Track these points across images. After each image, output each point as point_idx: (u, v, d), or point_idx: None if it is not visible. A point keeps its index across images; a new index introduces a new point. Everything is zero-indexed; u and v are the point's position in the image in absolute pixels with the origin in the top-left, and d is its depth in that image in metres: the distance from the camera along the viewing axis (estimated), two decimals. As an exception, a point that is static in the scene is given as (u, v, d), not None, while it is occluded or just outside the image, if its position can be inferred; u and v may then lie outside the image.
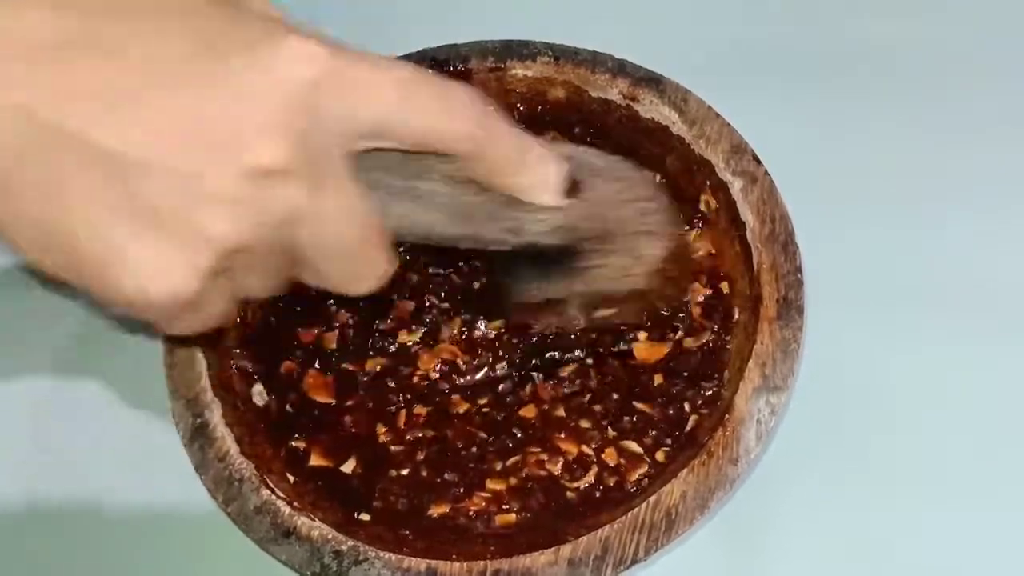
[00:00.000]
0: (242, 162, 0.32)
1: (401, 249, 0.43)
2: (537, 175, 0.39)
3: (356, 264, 0.37)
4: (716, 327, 0.50)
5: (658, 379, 0.49)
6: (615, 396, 0.49)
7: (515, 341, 0.50)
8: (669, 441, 0.48)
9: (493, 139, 0.37)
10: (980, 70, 0.63)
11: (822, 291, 0.51)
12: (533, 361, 0.50)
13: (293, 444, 0.49)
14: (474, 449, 0.48)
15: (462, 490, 0.48)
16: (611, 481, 0.47)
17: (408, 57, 0.55)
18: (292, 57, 0.33)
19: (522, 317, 0.49)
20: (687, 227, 0.51)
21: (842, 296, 0.55)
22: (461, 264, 0.52)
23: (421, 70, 0.36)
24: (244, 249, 0.34)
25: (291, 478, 0.47)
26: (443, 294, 0.51)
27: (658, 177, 0.53)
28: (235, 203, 0.33)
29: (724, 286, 0.51)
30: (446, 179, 0.39)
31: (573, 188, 0.41)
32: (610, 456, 0.48)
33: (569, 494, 0.47)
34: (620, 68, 0.54)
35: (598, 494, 0.47)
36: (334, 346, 0.51)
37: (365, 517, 0.47)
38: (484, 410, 0.49)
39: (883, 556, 0.50)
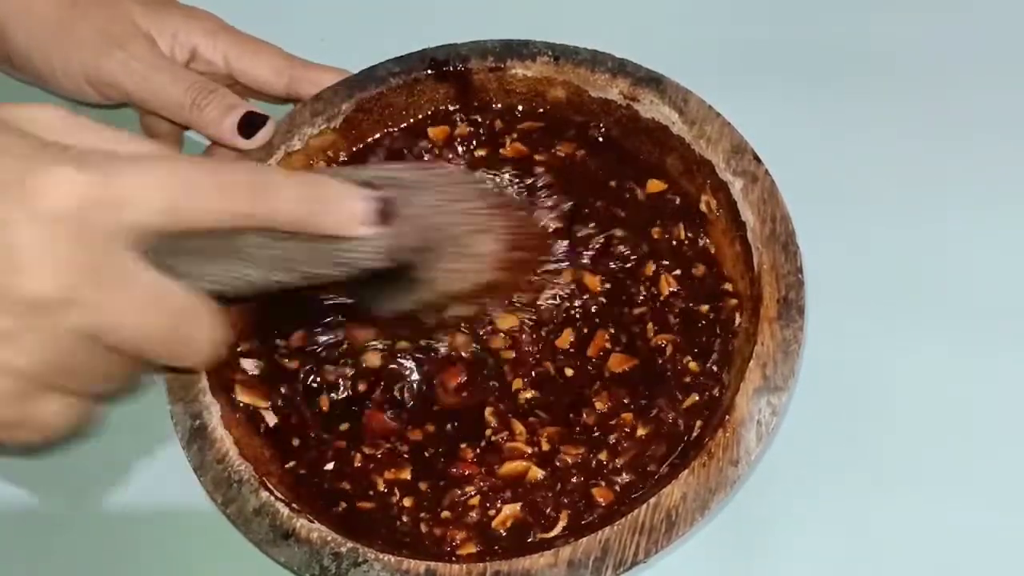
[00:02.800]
0: (12, 297, 0.33)
1: None
2: (342, 213, 0.39)
3: (179, 344, 0.37)
4: (717, 327, 0.50)
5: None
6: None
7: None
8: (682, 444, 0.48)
9: (275, 206, 0.37)
10: (980, 70, 0.63)
11: (822, 291, 0.51)
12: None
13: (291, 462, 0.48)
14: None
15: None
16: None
17: (409, 57, 0.55)
18: (47, 193, 0.33)
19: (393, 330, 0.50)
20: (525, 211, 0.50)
21: (842, 296, 0.55)
22: None
23: (194, 163, 0.36)
24: (52, 369, 0.34)
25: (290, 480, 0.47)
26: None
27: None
28: (16, 336, 0.33)
29: (725, 286, 0.51)
30: (260, 232, 0.39)
31: (387, 211, 0.41)
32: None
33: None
34: (620, 68, 0.54)
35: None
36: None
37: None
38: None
39: (883, 556, 0.50)
